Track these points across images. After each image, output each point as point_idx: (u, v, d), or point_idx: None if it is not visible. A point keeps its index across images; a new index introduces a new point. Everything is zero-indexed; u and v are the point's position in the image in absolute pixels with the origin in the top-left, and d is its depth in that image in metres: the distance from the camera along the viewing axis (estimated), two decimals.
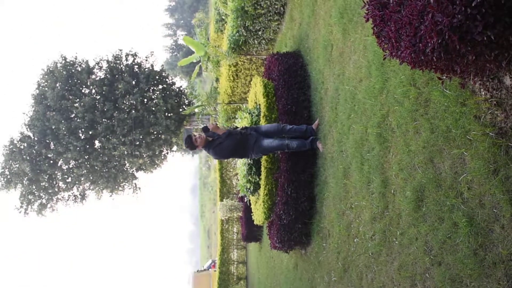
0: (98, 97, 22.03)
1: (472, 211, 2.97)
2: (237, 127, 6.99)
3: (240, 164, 8.93)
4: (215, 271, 22.34)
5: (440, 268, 3.22)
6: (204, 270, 27.14)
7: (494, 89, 2.89)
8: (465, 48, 2.20)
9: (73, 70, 22.29)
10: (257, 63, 12.04)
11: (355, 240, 4.90)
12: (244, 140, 6.53)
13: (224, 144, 6.51)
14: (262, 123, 7.30)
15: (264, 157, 7.61)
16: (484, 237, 2.84)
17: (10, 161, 22.63)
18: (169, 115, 22.92)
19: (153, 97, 22.63)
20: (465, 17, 2.10)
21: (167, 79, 23.89)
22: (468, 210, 3.01)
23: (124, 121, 21.49)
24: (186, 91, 22.81)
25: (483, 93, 2.98)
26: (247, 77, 12.61)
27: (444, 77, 3.01)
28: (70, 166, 23.27)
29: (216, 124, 6.35)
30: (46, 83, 22.14)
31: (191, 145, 6.50)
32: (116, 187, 24.87)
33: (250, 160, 8.28)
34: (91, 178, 23.70)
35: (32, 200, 23.62)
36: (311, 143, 6.56)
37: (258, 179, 8.26)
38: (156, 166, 25.50)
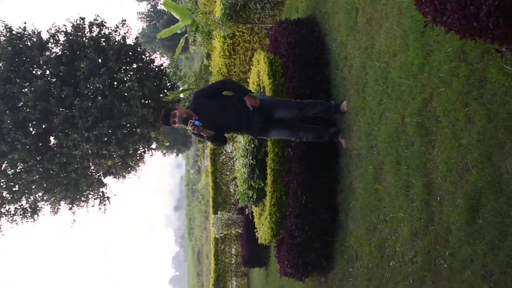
0: (53, 80, 22.12)
1: None
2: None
3: (240, 165, 8.94)
4: None
5: None
6: None
7: None
8: None
9: (20, 45, 22.35)
10: (260, 34, 12.04)
11: (390, 264, 4.91)
12: (243, 128, 6.55)
13: (217, 138, 6.55)
14: None
15: (270, 156, 7.62)
16: None
17: None
18: (147, 102, 23.00)
19: (125, 79, 22.70)
20: None
21: (143, 56, 23.97)
22: None
23: (88, 111, 21.55)
24: (168, 71, 22.82)
25: None
26: (247, 52, 12.60)
27: (504, 49, 3.00)
28: (18, 170, 23.33)
29: (200, 127, 6.23)
30: None
31: (166, 123, 6.52)
32: (78, 197, 24.97)
33: (252, 159, 8.30)
34: (45, 185, 23.77)
35: None
36: (332, 136, 6.57)
37: (263, 184, 8.27)
38: (129, 169, 25.61)
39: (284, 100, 6.76)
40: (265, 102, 6.49)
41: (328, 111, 6.59)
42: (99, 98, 21.85)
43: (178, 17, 13.05)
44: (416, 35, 4.53)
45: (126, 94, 22.31)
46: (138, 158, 25.67)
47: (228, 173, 17.35)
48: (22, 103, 22.00)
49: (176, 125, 6.37)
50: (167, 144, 28.71)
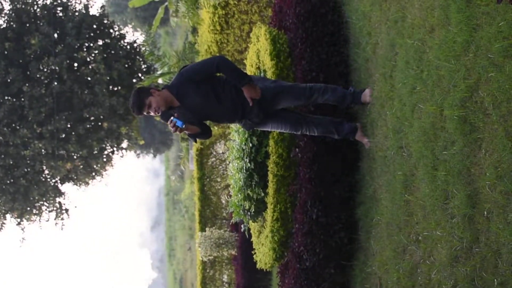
0: None
1: None
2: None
3: (234, 170, 8.95)
4: None
5: None
6: None
7: None
8: None
9: None
10: (260, 2, 12.06)
11: None
12: (236, 121, 6.64)
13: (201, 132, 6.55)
14: None
15: (273, 159, 7.63)
16: None
17: None
18: (116, 89, 23.04)
19: (88, 59, 22.71)
20: None
21: (111, 30, 23.99)
22: None
23: (41, 100, 21.56)
24: (143, 49, 22.83)
25: None
26: (243, 25, 12.62)
27: None
28: None
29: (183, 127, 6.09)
30: None
31: (138, 111, 6.33)
32: (28, 209, 24.98)
33: (250, 163, 8.30)
34: None
35: None
36: (346, 134, 6.55)
37: (263, 194, 8.29)
38: (94, 173, 25.62)
39: (290, 86, 6.64)
40: (267, 94, 6.39)
41: (342, 99, 6.51)
42: (55, 83, 21.87)
43: None
44: (459, 4, 4.53)
45: (89, 78, 22.32)
46: (104, 160, 25.70)
47: (219, 179, 17.37)
48: None
49: (151, 114, 6.30)
50: (142, 142, 28.79)
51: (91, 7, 23.80)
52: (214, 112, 6.43)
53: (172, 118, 5.94)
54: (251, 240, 9.33)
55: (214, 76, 6.39)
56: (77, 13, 23.06)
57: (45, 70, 22.12)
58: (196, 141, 6.64)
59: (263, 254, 8.29)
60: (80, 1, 23.73)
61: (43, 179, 24.87)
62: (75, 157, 24.14)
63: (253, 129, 7.40)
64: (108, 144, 25.24)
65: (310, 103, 6.62)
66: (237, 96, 6.30)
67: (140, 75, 23.68)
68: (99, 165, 25.54)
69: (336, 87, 6.63)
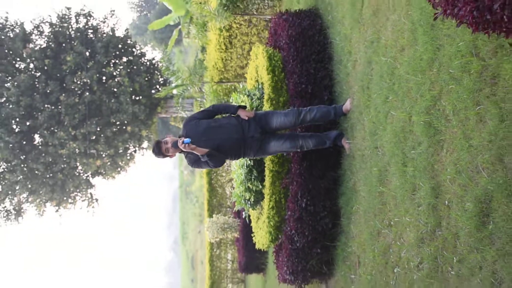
0: (38, 74, 22.08)
1: None
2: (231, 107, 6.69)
3: (236, 167, 8.93)
4: None
5: None
6: None
7: None
8: None
9: (2, 37, 22.32)
10: (258, 26, 12.04)
11: (395, 270, 4.92)
12: (239, 145, 6.45)
13: (213, 156, 6.44)
14: (266, 107, 7.29)
15: (269, 157, 7.62)
16: None
17: None
18: (137, 98, 22.99)
19: (114, 73, 22.70)
20: None
21: (133, 49, 23.97)
22: None
23: (75, 108, 21.54)
24: (160, 65, 22.83)
25: None
26: (244, 45, 12.60)
27: None
28: (0, 170, 23.31)
29: (190, 144, 6.18)
30: None
31: (160, 153, 6.44)
32: (65, 198, 24.97)
33: (249, 160, 8.29)
34: (30, 186, 23.77)
35: None
36: (334, 139, 6.56)
37: (260, 186, 8.27)
38: (119, 169, 25.60)
39: (280, 110, 6.77)
40: (260, 113, 6.58)
41: (327, 114, 6.52)
42: (87, 93, 21.83)
43: (171, 7, 13.09)
44: (425, 28, 4.53)
45: (115, 89, 22.30)
46: (128, 158, 25.65)
47: (224, 174, 17.36)
48: (4, 98, 21.96)
49: (170, 153, 6.34)
50: None
51: (117, 29, 23.76)
52: (220, 139, 6.35)
53: (181, 138, 6.13)
54: (251, 225, 9.30)
55: (212, 117, 6.57)
56: (105, 35, 23.01)
57: (79, 82, 22.09)
58: (210, 164, 6.48)
59: (261, 237, 8.27)
60: (108, 25, 23.69)
61: (77, 174, 24.83)
62: (103, 155, 24.10)
63: (261, 157, 7.34)
64: (131, 145, 25.17)
65: (299, 121, 6.50)
66: (236, 121, 6.41)
67: (157, 87, 23.62)
68: (123, 162, 25.47)
69: (320, 105, 6.64)
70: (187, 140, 6.07)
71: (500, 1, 2.31)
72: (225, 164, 16.47)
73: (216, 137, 6.31)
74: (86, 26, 23.02)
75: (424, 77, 4.51)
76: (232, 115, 6.60)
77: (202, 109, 6.82)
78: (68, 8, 23.15)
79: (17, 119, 22.09)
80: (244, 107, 6.58)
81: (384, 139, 5.32)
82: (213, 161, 6.36)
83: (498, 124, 3.49)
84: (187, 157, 6.51)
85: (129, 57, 23.53)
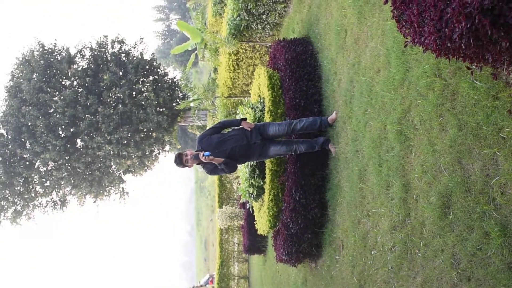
0: (80, 89, 22.10)
1: (505, 219, 2.97)
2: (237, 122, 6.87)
3: (242, 166, 8.94)
4: (213, 287, 22.37)
5: (470, 284, 3.22)
6: (201, 286, 27.20)
7: None
8: (498, 33, 2.19)
9: (51, 59, 22.37)
10: (260, 51, 12.04)
11: (372, 252, 4.91)
12: (246, 150, 6.52)
13: (228, 164, 6.50)
14: (267, 119, 7.31)
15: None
16: None
17: None
18: (161, 110, 22.97)
19: (142, 89, 22.69)
20: None
21: (158, 70, 23.94)
22: (501, 218, 3.00)
23: (110, 117, 21.55)
24: (180, 83, 22.82)
25: None
26: (249, 67, 12.60)
27: (474, 67, 3.00)
28: (49, 168, 23.34)
29: (209, 156, 6.30)
30: (21, 74, 22.22)
31: (180, 164, 6.53)
32: (101, 191, 24.96)
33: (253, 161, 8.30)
34: (73, 181, 23.77)
35: (6, 207, 23.68)
36: (322, 144, 6.57)
37: (262, 182, 8.27)
38: (146, 168, 25.56)
39: (275, 122, 6.84)
40: (259, 124, 6.71)
41: (315, 123, 6.56)
42: (120, 106, 21.82)
43: (189, 36, 13.09)
44: (397, 53, 4.53)
45: (143, 102, 22.28)
46: (153, 158, 25.63)
47: None
48: (53, 109, 21.98)
49: (189, 163, 6.41)
50: (179, 146, 28.68)
51: (145, 53, 23.73)
52: (231, 147, 6.43)
53: (201, 152, 6.20)
54: (254, 214, 9.29)
55: (219, 132, 6.67)
56: (135, 58, 23.00)
57: (113, 97, 22.08)
58: (226, 170, 6.58)
59: (262, 224, 8.26)
60: (137, 50, 23.67)
61: (111, 171, 24.82)
62: (133, 156, 24.08)
63: (262, 160, 7.51)
64: (155, 148, 25.14)
65: (291, 130, 6.54)
66: (241, 132, 6.53)
67: (178, 100, 23.57)
68: (149, 162, 25.44)
69: (309, 117, 6.72)
70: (207, 153, 6.15)
71: (458, 32, 2.31)
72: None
73: (227, 147, 6.39)
74: (120, 51, 23.02)
75: (396, 94, 4.51)
76: (236, 127, 6.70)
77: (212, 125, 6.86)
78: (105, 36, 23.15)
79: (63, 127, 22.10)
80: (245, 119, 6.68)
81: (363, 144, 5.32)
82: (228, 167, 6.41)
83: (457, 132, 3.49)
84: (205, 167, 6.60)
85: (155, 76, 23.51)
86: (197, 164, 6.54)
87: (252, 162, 8.28)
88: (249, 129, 6.53)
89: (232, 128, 6.84)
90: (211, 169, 6.56)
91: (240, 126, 6.64)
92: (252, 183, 8.43)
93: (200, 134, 6.78)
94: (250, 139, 6.49)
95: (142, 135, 23.21)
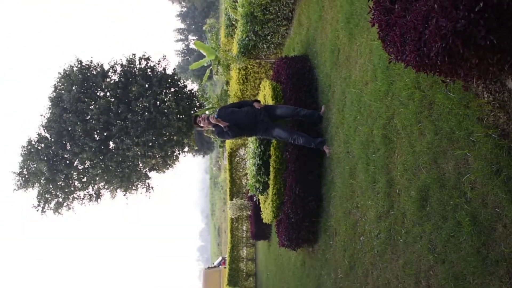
0: (112, 99, 22.20)
1: (475, 211, 2.97)
2: (245, 102, 7.08)
3: (250, 165, 8.96)
4: (225, 268, 22.37)
5: (444, 266, 3.22)
6: (215, 267, 27.19)
7: (496, 91, 2.89)
8: (469, 52, 2.20)
9: (88, 74, 22.49)
10: (266, 66, 12.06)
11: (361, 238, 4.90)
12: (253, 124, 6.73)
13: (232, 128, 6.77)
14: None
15: (273, 158, 7.63)
16: (487, 236, 2.83)
17: (28, 161, 22.88)
18: (181, 117, 23.02)
19: (165, 99, 22.76)
20: (469, 22, 2.10)
21: (179, 82, 24.00)
22: (471, 210, 3.00)
23: (138, 123, 21.62)
24: (197, 93, 22.89)
25: (486, 95, 2.97)
26: (256, 80, 12.62)
27: (448, 80, 3.01)
28: (86, 166, 23.45)
29: (217, 119, 6.59)
30: (62, 86, 22.36)
31: (195, 123, 6.88)
32: (130, 186, 25.03)
33: (259, 160, 8.31)
34: (106, 177, 23.87)
35: (49, 199, 23.84)
36: (318, 144, 6.57)
37: (267, 179, 8.29)
38: (168, 166, 25.62)
39: (287, 110, 6.94)
40: (268, 105, 6.96)
41: (312, 115, 6.70)
42: (146, 113, 21.90)
43: (205, 54, 13.09)
44: (382, 69, 4.53)
45: (165, 110, 22.34)
46: (174, 158, 25.67)
47: (241, 170, 17.36)
48: (89, 116, 22.10)
49: (201, 124, 6.71)
50: (196, 148, 28.78)
51: (167, 69, 23.82)
52: (241, 119, 6.71)
53: (213, 115, 6.66)
54: (260, 206, 9.30)
55: (237, 107, 6.95)
56: (159, 73, 23.07)
57: (140, 105, 22.16)
58: (229, 134, 6.84)
59: (267, 214, 8.27)
60: (161, 66, 23.74)
61: (138, 169, 24.89)
62: (157, 156, 24.14)
63: (266, 139, 7.67)
64: (176, 149, 25.19)
65: (295, 113, 6.69)
66: (252, 110, 6.77)
67: (195, 109, 23.63)
68: (171, 161, 25.48)
69: (313, 111, 6.80)
70: (216, 115, 6.65)
71: (435, 51, 2.32)
72: (242, 163, 16.50)
73: (237, 117, 6.72)
74: (146, 67, 23.09)
75: (382, 103, 4.51)
76: (250, 106, 6.92)
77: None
78: (134, 54, 23.26)
79: (98, 131, 22.21)
80: (258, 101, 6.99)
81: (353, 146, 5.32)
82: (232, 132, 6.72)
83: (433, 136, 3.49)
84: (216, 130, 6.88)
85: (176, 88, 23.58)
86: (208, 125, 6.86)
87: (259, 162, 8.29)
88: (259, 107, 6.75)
89: (247, 106, 7.00)
90: (218, 132, 6.82)
91: (253, 106, 6.86)
92: (258, 179, 8.45)
93: (221, 107, 7.07)
94: (258, 116, 6.70)
95: (165, 138, 23.28)
